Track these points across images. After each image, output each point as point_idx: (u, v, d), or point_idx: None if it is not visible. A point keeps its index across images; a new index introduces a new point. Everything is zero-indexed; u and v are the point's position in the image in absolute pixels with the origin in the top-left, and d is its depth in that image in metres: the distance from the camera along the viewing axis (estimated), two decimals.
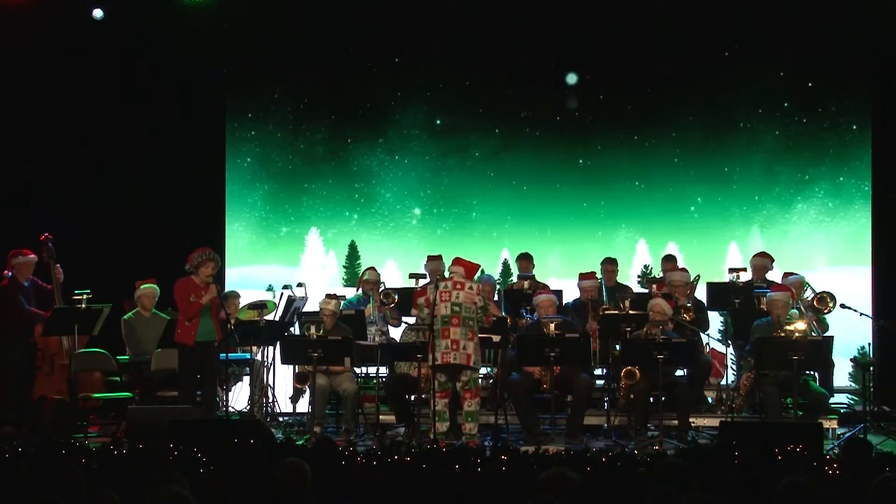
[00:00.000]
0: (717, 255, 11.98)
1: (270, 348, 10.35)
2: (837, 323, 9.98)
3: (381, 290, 10.47)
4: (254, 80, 12.47)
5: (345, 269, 12.44)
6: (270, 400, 10.42)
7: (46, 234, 10.16)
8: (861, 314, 9.93)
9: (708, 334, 10.47)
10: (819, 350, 8.96)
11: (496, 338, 9.58)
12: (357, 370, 9.99)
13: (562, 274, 11.86)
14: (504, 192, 12.37)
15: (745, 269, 10.49)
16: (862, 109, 11.74)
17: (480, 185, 12.42)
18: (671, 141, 12.11)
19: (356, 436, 9.47)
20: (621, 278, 11.22)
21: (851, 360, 10.62)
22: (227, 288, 11.30)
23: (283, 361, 9.87)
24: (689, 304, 10.01)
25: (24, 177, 11.62)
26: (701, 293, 10.42)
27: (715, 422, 9.23)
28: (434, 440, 8.45)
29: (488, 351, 10.00)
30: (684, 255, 11.56)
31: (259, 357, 10.44)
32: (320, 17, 12.10)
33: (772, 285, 9.98)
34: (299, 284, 10.96)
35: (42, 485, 5.29)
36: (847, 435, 9.03)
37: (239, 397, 10.70)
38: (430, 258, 10.69)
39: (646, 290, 10.88)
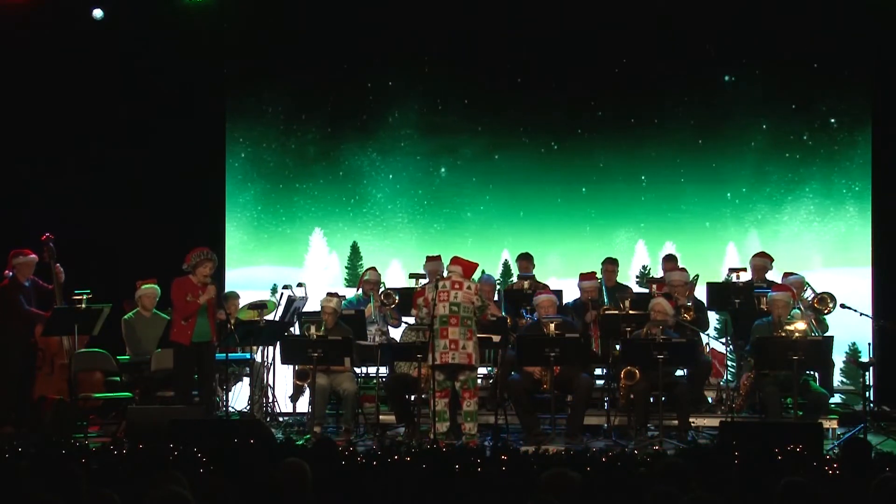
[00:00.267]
0: (715, 255, 11.97)
1: (270, 348, 10.36)
2: (837, 323, 9.98)
3: (381, 291, 10.48)
4: (254, 80, 12.47)
5: (347, 270, 12.42)
6: (270, 400, 10.42)
7: (47, 234, 10.16)
8: (861, 314, 9.93)
9: (708, 334, 10.48)
10: (819, 350, 8.96)
11: (496, 338, 9.58)
12: (357, 370, 10.00)
13: (562, 274, 11.86)
14: (496, 192, 12.35)
15: (744, 269, 10.50)
16: (854, 109, 11.72)
17: (472, 185, 12.39)
18: (669, 141, 12.09)
19: (356, 436, 9.47)
20: (620, 279, 11.21)
21: (848, 356, 10.66)
22: (227, 288, 11.31)
23: (283, 361, 9.87)
24: (689, 304, 10.02)
25: (24, 177, 11.61)
26: (701, 293, 10.43)
27: (715, 422, 9.23)
28: (434, 440, 8.46)
29: (488, 351, 10.01)
30: (681, 255, 11.53)
31: (259, 357, 10.44)
32: (320, 17, 12.09)
33: (772, 285, 9.99)
34: (299, 284, 10.96)
35: (42, 485, 5.29)
36: (847, 435, 9.03)
37: (239, 397, 10.71)
38: (429, 258, 10.69)
39: (646, 290, 10.89)
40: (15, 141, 11.56)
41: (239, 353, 10.20)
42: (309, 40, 12.20)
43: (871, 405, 9.89)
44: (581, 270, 10.70)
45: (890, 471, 5.96)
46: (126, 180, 11.83)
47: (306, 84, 12.41)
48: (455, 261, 9.24)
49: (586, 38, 11.87)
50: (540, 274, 11.31)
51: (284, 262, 12.50)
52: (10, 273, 9.97)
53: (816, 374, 9.51)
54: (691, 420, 9.41)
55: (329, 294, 10.06)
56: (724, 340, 10.58)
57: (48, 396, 9.81)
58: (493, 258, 12.19)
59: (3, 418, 9.72)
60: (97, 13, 11.63)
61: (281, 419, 10.44)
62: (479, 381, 9.57)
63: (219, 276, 11.25)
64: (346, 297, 10.67)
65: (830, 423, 9.34)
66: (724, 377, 10.40)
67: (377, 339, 10.16)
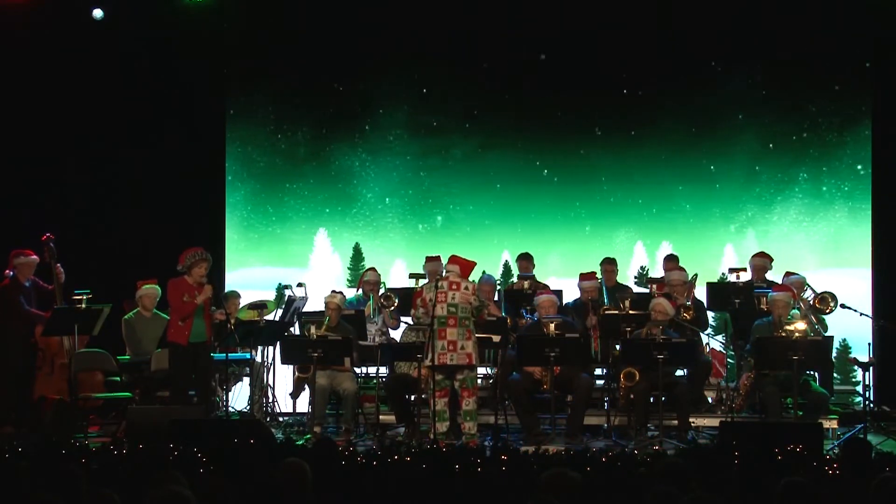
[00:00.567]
0: (713, 255, 11.97)
1: (270, 348, 10.36)
2: (831, 322, 9.99)
3: (381, 293, 10.48)
4: (254, 80, 12.47)
5: (349, 271, 12.41)
6: (270, 400, 10.42)
7: (47, 234, 10.15)
8: (861, 314, 9.93)
9: (708, 334, 10.48)
10: (819, 350, 8.96)
11: (496, 338, 9.58)
12: (357, 370, 10.00)
13: (562, 274, 11.85)
14: (484, 192, 12.33)
15: (744, 269, 10.49)
16: (845, 110, 11.72)
17: (461, 184, 12.37)
18: (666, 140, 12.08)
19: (356, 436, 9.47)
20: (619, 279, 11.20)
21: (839, 353, 10.68)
22: (227, 288, 11.31)
23: (283, 361, 9.88)
24: (688, 304, 10.01)
25: (24, 177, 11.61)
26: (701, 293, 10.42)
27: (715, 422, 9.23)
28: (434, 440, 8.46)
29: (488, 351, 10.02)
30: (680, 255, 11.52)
31: (259, 357, 10.44)
32: (320, 18, 12.09)
33: (773, 285, 9.99)
34: (299, 284, 10.96)
35: (42, 485, 5.30)
36: (847, 435, 9.03)
37: (239, 397, 10.71)
38: (428, 259, 10.70)
39: (646, 290, 10.89)
40: (15, 141, 11.56)
41: (239, 353, 10.20)
42: (309, 40, 12.20)
43: (871, 405, 9.89)
44: (581, 270, 10.70)
45: (890, 471, 5.96)
46: (126, 180, 11.84)
47: (304, 84, 12.39)
48: (453, 260, 9.25)
49: (581, 39, 11.84)
50: (540, 274, 11.31)
51: (274, 263, 12.46)
52: (11, 273, 9.98)
53: (816, 374, 9.51)
54: (691, 420, 9.41)
55: (333, 291, 10.10)
56: (719, 338, 10.58)
57: (48, 396, 9.81)
58: (488, 258, 12.07)
59: (3, 418, 9.72)
60: (97, 13, 11.63)
61: (281, 419, 10.44)
62: (479, 381, 9.57)
63: (219, 276, 11.27)
64: (347, 298, 10.67)
65: (830, 423, 9.33)
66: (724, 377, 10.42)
67: (377, 339, 10.17)
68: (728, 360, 10.64)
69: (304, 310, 10.69)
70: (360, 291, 10.75)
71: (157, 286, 10.11)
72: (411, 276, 10.84)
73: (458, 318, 8.90)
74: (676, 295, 10.05)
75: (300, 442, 8.08)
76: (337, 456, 6.61)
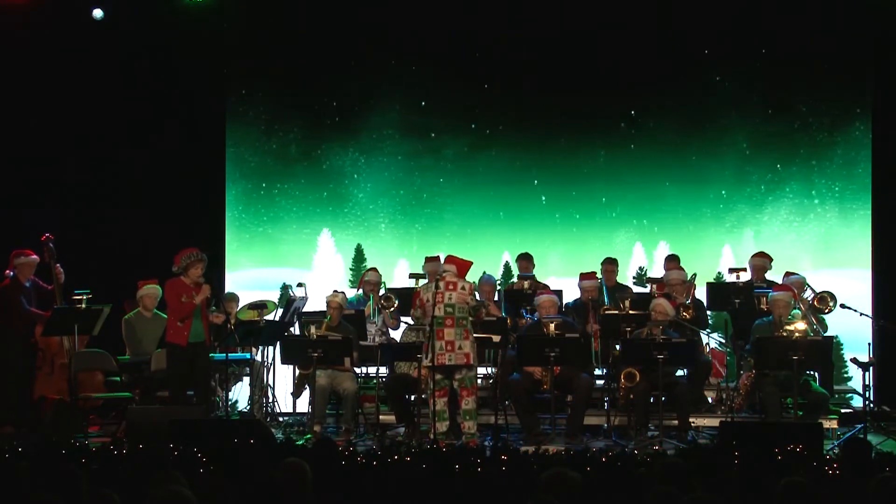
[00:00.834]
0: (712, 255, 11.97)
1: (270, 348, 10.36)
2: (836, 323, 9.99)
3: (381, 294, 10.48)
4: (254, 79, 12.46)
5: (351, 272, 12.40)
6: (270, 400, 10.42)
7: (47, 235, 10.16)
8: (861, 314, 9.93)
9: (708, 333, 10.48)
10: (819, 350, 8.97)
11: (496, 338, 9.58)
12: (357, 370, 10.00)
13: (561, 273, 11.85)
14: (477, 192, 12.30)
15: (744, 269, 10.49)
16: (834, 109, 11.72)
17: (453, 185, 12.34)
18: (665, 140, 12.08)
19: (356, 436, 9.47)
20: (618, 280, 11.19)
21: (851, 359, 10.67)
22: (227, 289, 11.32)
23: (283, 361, 9.88)
24: (688, 303, 10.01)
25: (24, 177, 11.61)
26: (701, 293, 10.42)
27: (715, 422, 9.24)
28: (434, 440, 8.46)
29: (488, 351, 10.02)
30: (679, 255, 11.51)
31: (259, 357, 10.44)
32: (320, 18, 12.09)
33: (773, 285, 9.99)
34: (299, 284, 10.97)
35: (42, 485, 5.30)
36: (847, 435, 9.03)
37: (239, 397, 10.70)
38: (428, 259, 10.72)
39: (646, 290, 10.89)
40: (15, 141, 11.56)
41: (239, 353, 10.21)
42: (309, 40, 12.19)
43: (871, 405, 9.89)
44: (581, 270, 10.70)
45: (890, 471, 5.96)
46: (126, 180, 11.83)
47: (303, 84, 12.38)
48: (449, 260, 9.27)
49: (577, 39, 11.81)
50: (540, 274, 11.30)
51: (274, 263, 12.44)
52: (11, 273, 9.98)
53: (816, 374, 9.51)
54: (691, 420, 9.42)
55: (335, 291, 10.11)
56: (716, 336, 10.59)
57: (48, 396, 9.82)
58: (488, 258, 12.04)
59: (3, 418, 9.72)
60: (97, 13, 11.63)
61: (281, 419, 10.44)
62: (478, 381, 9.57)
63: (219, 276, 11.27)
64: (347, 298, 10.67)
65: (830, 423, 9.33)
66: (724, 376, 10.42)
67: (377, 339, 10.17)
68: (727, 358, 10.64)
69: (305, 310, 10.70)
70: (361, 291, 10.76)
71: (158, 286, 10.10)
72: (411, 276, 10.85)
73: (456, 319, 8.90)
74: (676, 294, 10.05)
75: (300, 442, 8.08)
76: (337, 456, 6.61)
